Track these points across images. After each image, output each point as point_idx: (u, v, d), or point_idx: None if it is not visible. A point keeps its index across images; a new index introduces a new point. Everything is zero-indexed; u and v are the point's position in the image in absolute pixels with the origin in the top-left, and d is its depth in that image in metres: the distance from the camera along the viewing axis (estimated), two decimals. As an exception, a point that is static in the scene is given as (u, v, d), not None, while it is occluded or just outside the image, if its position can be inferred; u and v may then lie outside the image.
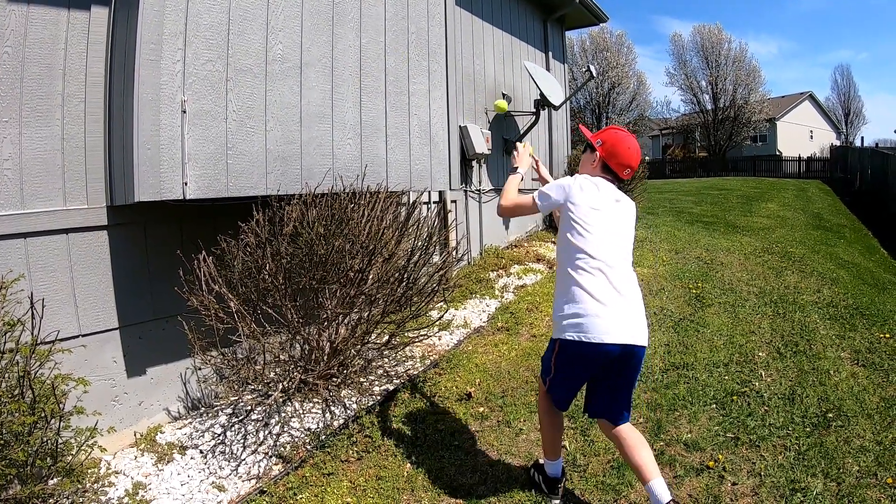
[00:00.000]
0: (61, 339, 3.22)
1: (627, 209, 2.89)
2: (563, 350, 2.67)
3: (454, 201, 7.26)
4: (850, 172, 24.60)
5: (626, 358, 2.63)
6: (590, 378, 2.80)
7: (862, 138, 39.80)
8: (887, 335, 5.02)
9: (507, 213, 3.10)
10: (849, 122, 50.53)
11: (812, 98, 46.56)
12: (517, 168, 3.25)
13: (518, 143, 3.40)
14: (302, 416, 3.86)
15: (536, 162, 3.46)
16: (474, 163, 7.73)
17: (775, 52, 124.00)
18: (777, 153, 38.30)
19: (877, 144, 28.44)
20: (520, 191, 3.13)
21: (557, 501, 2.98)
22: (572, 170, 10.46)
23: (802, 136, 43.66)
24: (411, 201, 4.51)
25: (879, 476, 3.10)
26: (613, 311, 2.57)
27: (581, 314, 2.57)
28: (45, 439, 2.56)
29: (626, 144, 2.90)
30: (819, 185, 24.43)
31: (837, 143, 43.53)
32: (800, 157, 32.97)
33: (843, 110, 50.79)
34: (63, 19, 3.37)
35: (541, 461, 3.13)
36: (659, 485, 2.58)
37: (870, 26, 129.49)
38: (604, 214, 2.74)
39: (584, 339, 2.55)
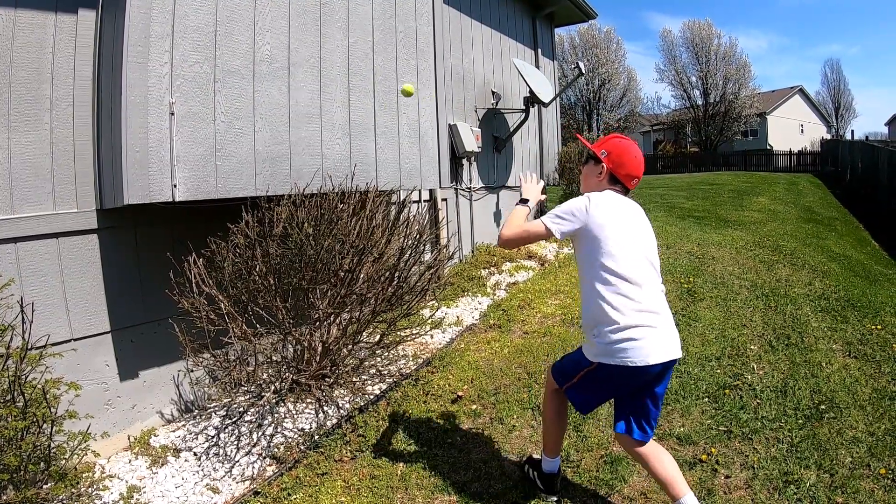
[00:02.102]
0: (53, 344, 3.21)
1: (643, 217, 2.78)
2: (599, 371, 2.58)
3: (445, 199, 7.27)
4: (841, 166, 24.67)
5: (663, 372, 2.57)
6: (621, 394, 2.69)
7: (852, 132, 40.05)
8: (879, 327, 5.05)
9: (512, 244, 2.76)
10: (839, 115, 50.72)
11: (802, 92, 46.73)
12: (526, 200, 2.94)
13: (528, 173, 3.11)
14: (295, 416, 3.86)
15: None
16: (464, 161, 7.74)
17: (765, 47, 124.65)
18: (768, 147, 38.47)
19: (867, 137, 28.65)
20: None
21: (553, 498, 2.98)
22: (563, 166, 10.49)
23: (793, 130, 43.82)
24: (401, 200, 4.51)
25: (872, 467, 3.12)
26: (655, 332, 2.50)
27: (624, 339, 2.46)
28: (37, 444, 2.56)
29: (632, 154, 2.77)
30: (810, 178, 24.52)
31: (828, 136, 43.69)
32: (791, 151, 33.09)
33: (834, 104, 51.01)
34: (50, 23, 3.36)
35: (535, 456, 3.13)
36: (691, 501, 2.51)
37: (860, 20, 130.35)
38: (628, 230, 2.61)
39: (629, 364, 2.46)
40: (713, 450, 3.31)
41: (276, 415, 3.84)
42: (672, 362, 2.57)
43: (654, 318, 2.52)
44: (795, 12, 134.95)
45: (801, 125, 45.46)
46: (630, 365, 2.46)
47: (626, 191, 2.80)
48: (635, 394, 2.63)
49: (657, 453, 2.64)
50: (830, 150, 29.55)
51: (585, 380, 2.67)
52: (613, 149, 2.77)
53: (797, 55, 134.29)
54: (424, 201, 6.73)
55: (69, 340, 3.44)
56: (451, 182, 7.47)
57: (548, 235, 2.64)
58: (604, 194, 2.68)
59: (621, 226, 2.59)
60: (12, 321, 2.74)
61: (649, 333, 2.48)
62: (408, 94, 3.98)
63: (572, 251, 2.78)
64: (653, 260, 2.66)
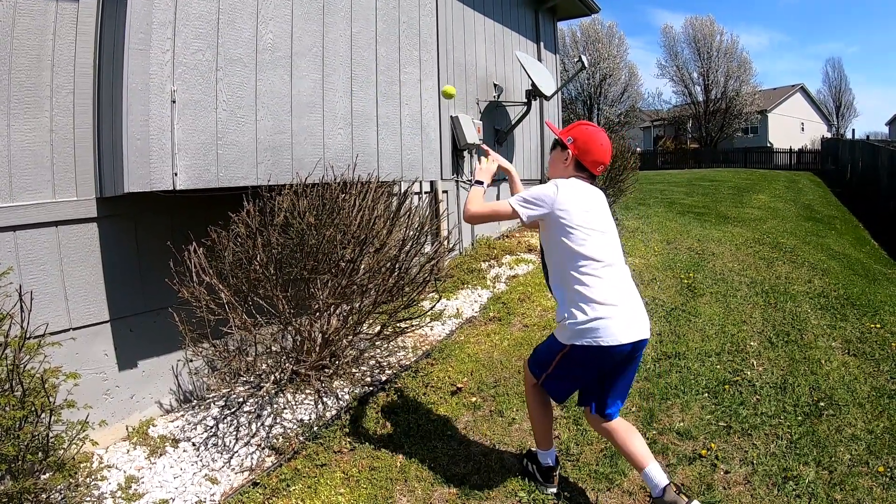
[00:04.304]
0: (51, 333, 3.20)
1: (605, 203, 2.88)
2: (573, 352, 2.65)
3: (445, 191, 7.26)
4: (841, 164, 24.66)
5: (633, 353, 2.66)
6: (594, 376, 2.78)
7: (853, 131, 40.05)
8: (878, 325, 5.05)
9: (477, 220, 2.89)
10: (840, 114, 50.66)
11: (803, 90, 46.69)
12: (481, 182, 3.05)
13: (483, 158, 3.22)
14: (294, 407, 3.85)
15: (509, 174, 3.30)
16: (465, 153, 7.72)
17: (766, 45, 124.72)
18: (768, 145, 38.49)
19: (867, 137, 28.60)
20: None
21: (553, 490, 2.99)
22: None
23: (794, 128, 43.81)
24: (402, 191, 4.49)
25: (871, 464, 3.13)
26: (623, 311, 2.59)
27: (595, 318, 2.55)
28: (35, 434, 2.54)
29: (598, 141, 2.84)
30: (810, 176, 24.56)
31: (828, 135, 43.66)
32: (791, 149, 33.10)
33: (835, 103, 50.92)
34: (51, 9, 3.32)
35: (534, 450, 3.13)
36: (654, 469, 2.64)
37: (861, 19, 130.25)
38: (594, 215, 2.72)
39: (601, 344, 2.54)
40: (713, 445, 3.31)
41: (275, 405, 3.84)
42: (642, 343, 2.68)
43: (624, 299, 2.63)
44: (796, 10, 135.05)
45: (802, 123, 45.44)
46: (602, 345, 2.55)
47: (591, 177, 2.90)
48: (607, 374, 2.74)
49: (626, 429, 2.79)
50: (831, 149, 29.55)
51: (561, 364, 2.74)
52: (580, 136, 2.86)
53: (798, 53, 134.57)
54: (425, 193, 6.72)
55: (68, 330, 3.42)
56: (453, 174, 7.46)
57: (514, 216, 2.76)
58: (570, 182, 2.79)
59: (587, 212, 2.70)
60: (10, 310, 2.72)
61: (618, 313, 2.58)
62: (449, 95, 3.95)
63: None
64: (617, 240, 2.80)
